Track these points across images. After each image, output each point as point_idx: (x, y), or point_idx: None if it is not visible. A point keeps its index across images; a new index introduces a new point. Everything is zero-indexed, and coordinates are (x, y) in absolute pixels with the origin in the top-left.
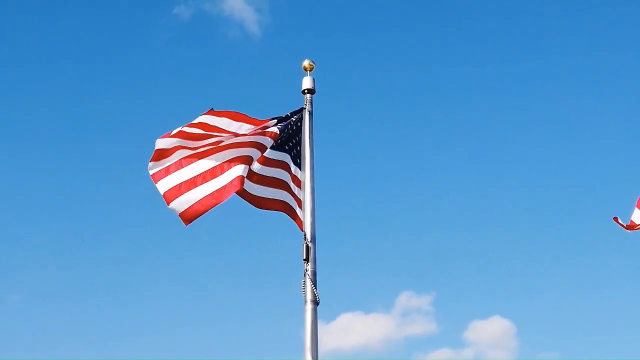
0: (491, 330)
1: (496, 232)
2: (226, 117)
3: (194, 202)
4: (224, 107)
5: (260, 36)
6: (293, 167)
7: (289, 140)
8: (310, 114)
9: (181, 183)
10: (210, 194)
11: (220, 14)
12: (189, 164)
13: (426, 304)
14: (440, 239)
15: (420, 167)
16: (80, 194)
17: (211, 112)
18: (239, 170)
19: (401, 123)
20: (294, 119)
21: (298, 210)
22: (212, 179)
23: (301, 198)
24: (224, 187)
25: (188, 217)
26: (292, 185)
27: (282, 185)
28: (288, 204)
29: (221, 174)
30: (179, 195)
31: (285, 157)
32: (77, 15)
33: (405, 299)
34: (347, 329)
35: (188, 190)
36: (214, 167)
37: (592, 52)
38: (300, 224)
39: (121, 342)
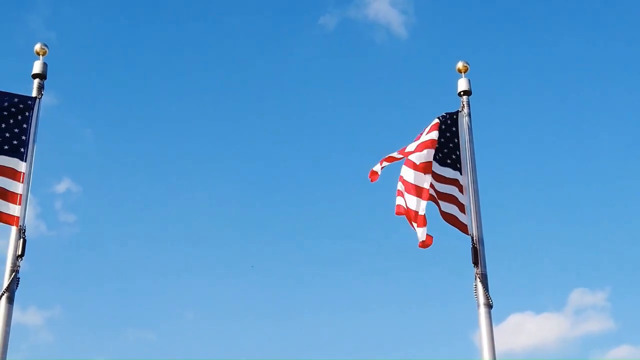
0: None
1: None
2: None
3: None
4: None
5: (407, 38)
6: (459, 177)
7: (446, 147)
8: (469, 116)
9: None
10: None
11: (365, 19)
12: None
13: (601, 300)
14: (613, 232)
15: (585, 162)
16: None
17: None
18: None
19: (562, 120)
20: (446, 125)
21: (461, 215)
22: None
23: (464, 202)
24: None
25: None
26: (458, 195)
27: (453, 200)
28: (455, 216)
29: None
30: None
31: (455, 174)
32: (227, 36)
33: (578, 296)
34: (518, 330)
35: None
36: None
37: None
38: (464, 228)
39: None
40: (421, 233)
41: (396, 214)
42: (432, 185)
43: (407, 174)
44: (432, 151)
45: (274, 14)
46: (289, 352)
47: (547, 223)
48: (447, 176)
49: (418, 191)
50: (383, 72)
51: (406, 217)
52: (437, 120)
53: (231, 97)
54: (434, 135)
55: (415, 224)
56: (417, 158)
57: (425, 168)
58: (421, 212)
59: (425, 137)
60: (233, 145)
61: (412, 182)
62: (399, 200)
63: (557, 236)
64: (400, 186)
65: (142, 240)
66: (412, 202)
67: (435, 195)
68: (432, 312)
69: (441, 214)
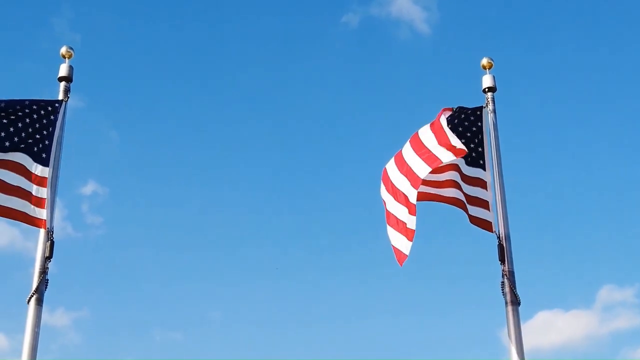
0: None
1: None
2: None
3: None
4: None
5: (430, 35)
6: (465, 168)
7: (472, 143)
8: (494, 112)
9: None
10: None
11: (388, 17)
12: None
13: (630, 296)
14: None
15: (612, 158)
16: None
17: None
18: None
19: (589, 116)
20: (469, 121)
21: (485, 212)
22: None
23: (488, 199)
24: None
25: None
26: (462, 184)
27: (478, 201)
28: (482, 218)
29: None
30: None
31: (477, 171)
32: (249, 36)
33: (607, 293)
34: (546, 328)
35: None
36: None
37: None
38: (488, 226)
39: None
40: (407, 247)
41: (387, 222)
42: (458, 186)
43: (395, 175)
44: (428, 169)
45: (296, 13)
46: (315, 354)
47: (575, 219)
48: (471, 175)
49: (404, 201)
50: (406, 70)
51: (393, 227)
52: (444, 122)
53: (254, 98)
54: (442, 146)
55: (403, 236)
56: (413, 164)
57: (415, 182)
58: (411, 226)
59: (429, 146)
60: (259, 147)
61: (401, 190)
62: (385, 196)
63: (585, 232)
64: (385, 183)
65: (168, 241)
66: (400, 212)
67: (464, 200)
68: (459, 311)
69: (470, 218)
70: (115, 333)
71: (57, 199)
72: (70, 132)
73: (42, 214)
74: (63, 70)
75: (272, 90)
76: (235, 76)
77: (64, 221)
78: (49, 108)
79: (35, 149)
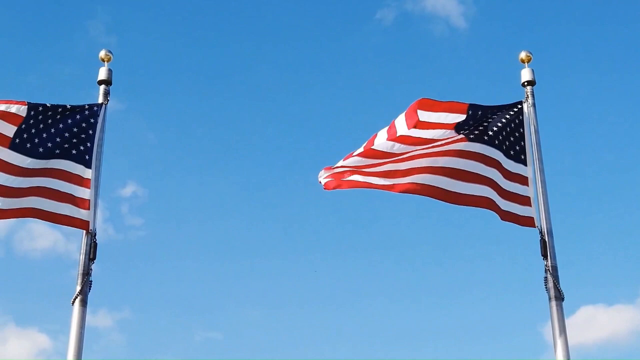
0: None
1: None
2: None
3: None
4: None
5: (467, 29)
6: (523, 169)
7: (499, 134)
8: (533, 106)
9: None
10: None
11: (423, 12)
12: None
13: None
14: None
15: None
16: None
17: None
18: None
19: (630, 109)
20: (508, 116)
21: (525, 208)
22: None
23: (528, 195)
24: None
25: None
26: (500, 180)
27: (482, 180)
28: (490, 199)
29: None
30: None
31: (518, 166)
32: (283, 33)
33: None
34: (589, 323)
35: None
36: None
37: None
38: (527, 221)
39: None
40: (324, 175)
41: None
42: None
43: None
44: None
45: (330, 10)
46: (354, 348)
47: (618, 213)
48: (510, 170)
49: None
50: (444, 65)
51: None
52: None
53: (288, 97)
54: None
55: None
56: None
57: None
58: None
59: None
60: (295, 146)
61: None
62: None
63: (629, 226)
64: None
65: (208, 241)
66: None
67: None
68: (501, 306)
69: (500, 214)
70: (156, 333)
71: (99, 201)
72: (110, 134)
73: (86, 215)
74: (102, 74)
75: (307, 88)
76: (270, 75)
77: (106, 223)
78: (89, 111)
79: (78, 151)
